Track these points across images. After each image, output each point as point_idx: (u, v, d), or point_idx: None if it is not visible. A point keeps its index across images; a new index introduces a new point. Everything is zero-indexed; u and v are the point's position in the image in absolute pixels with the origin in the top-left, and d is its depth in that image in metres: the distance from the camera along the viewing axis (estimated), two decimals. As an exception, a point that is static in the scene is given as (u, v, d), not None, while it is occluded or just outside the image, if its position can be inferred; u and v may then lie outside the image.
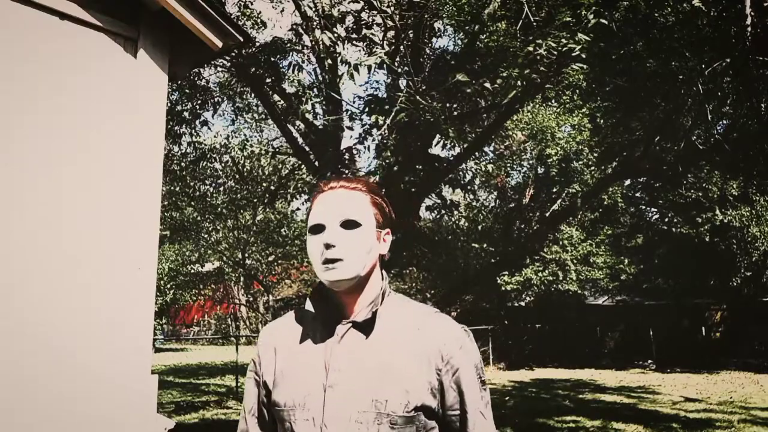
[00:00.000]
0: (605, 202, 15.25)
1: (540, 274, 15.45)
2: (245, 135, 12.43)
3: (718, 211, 16.09)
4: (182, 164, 10.47)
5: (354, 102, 7.83)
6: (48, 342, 1.97)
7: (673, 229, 18.31)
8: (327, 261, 1.11)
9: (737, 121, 7.75)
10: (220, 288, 25.65)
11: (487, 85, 5.42)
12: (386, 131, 6.62)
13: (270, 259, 20.59)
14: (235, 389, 11.47)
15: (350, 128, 7.47)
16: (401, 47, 6.62)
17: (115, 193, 2.22)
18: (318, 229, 1.16)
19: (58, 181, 2.09)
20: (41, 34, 2.15)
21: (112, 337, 2.11)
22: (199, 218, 14.08)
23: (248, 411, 1.20)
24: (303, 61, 8.04)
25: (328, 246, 1.12)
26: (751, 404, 9.57)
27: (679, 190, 15.33)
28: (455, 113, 6.61)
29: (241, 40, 2.55)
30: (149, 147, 2.33)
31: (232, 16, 6.83)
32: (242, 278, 23.32)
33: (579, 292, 16.47)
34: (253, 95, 9.75)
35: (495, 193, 18.56)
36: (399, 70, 6.81)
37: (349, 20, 6.50)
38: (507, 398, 11.21)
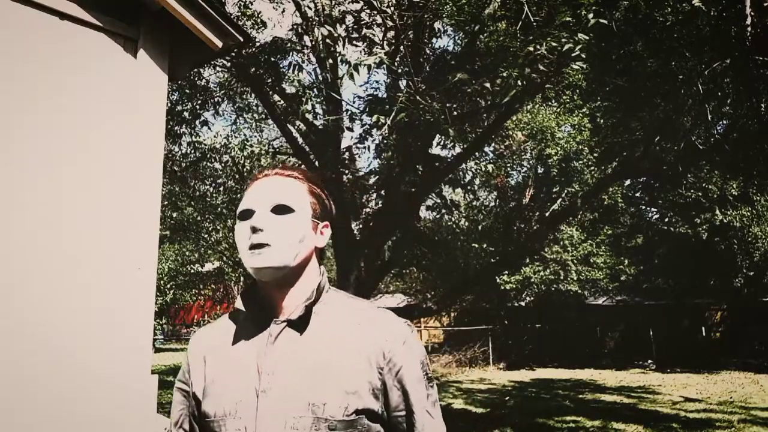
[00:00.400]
0: (605, 202, 15.25)
1: (540, 273, 15.46)
2: (245, 135, 12.44)
3: (718, 211, 16.09)
4: (182, 165, 10.48)
5: (354, 102, 7.84)
6: (48, 342, 1.97)
7: (672, 229, 18.32)
8: (253, 246, 1.02)
9: (737, 121, 7.75)
10: (220, 288, 25.66)
11: (487, 85, 5.42)
12: (386, 131, 6.62)
13: (270, 259, 20.55)
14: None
15: (350, 128, 7.46)
16: (401, 47, 6.62)
17: (115, 193, 2.22)
18: (246, 214, 1.06)
19: (58, 181, 2.09)
20: (41, 34, 2.15)
21: (112, 337, 2.11)
22: (199, 218, 14.09)
23: (175, 425, 1.10)
24: (303, 61, 8.05)
25: (254, 230, 1.03)
26: (751, 404, 9.57)
27: (679, 190, 15.33)
28: (455, 113, 6.62)
29: (241, 40, 2.55)
30: (149, 147, 2.33)
31: (232, 16, 6.84)
32: (242, 278, 23.33)
33: (579, 292, 16.47)
34: (253, 95, 9.76)
35: (495, 193, 18.56)
36: (399, 70, 6.81)
37: (349, 20, 6.50)
38: (507, 398, 11.21)
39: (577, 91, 7.62)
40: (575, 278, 15.62)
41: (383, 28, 6.86)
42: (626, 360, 17.26)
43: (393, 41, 6.92)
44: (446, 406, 10.17)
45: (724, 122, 8.51)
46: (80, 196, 2.14)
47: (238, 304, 1.07)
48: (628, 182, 16.07)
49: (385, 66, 6.01)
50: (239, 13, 8.08)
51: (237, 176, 12.86)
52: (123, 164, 2.25)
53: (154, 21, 2.39)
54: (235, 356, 1.04)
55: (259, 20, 8.22)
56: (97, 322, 2.09)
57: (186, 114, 8.33)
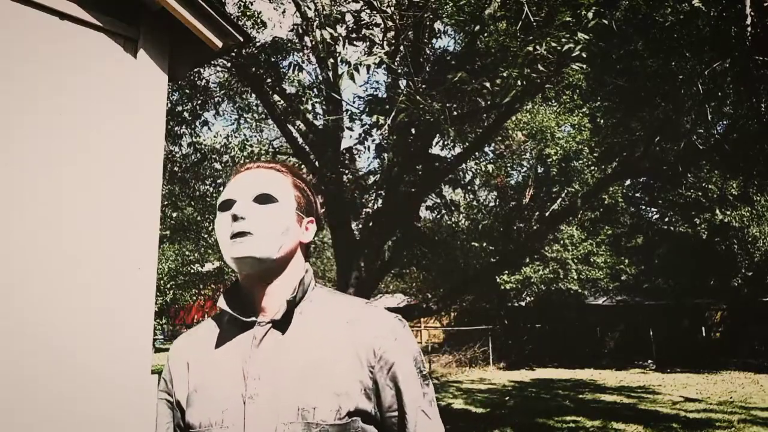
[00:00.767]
0: (605, 202, 15.26)
1: (540, 272, 15.46)
2: (245, 135, 12.44)
3: (718, 211, 16.10)
4: (183, 165, 10.48)
5: (354, 102, 7.84)
6: (48, 342, 1.97)
7: (672, 228, 18.33)
8: (234, 235, 0.97)
9: (737, 121, 7.75)
10: (220, 288, 25.66)
11: (487, 84, 5.42)
12: (386, 131, 6.62)
13: (270, 258, 20.57)
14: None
15: (350, 128, 7.46)
16: (401, 47, 6.62)
17: (115, 193, 2.22)
18: (227, 205, 1.01)
19: (57, 182, 2.09)
20: (41, 34, 2.15)
21: (112, 337, 2.11)
22: (199, 218, 14.08)
23: None
24: (303, 61, 8.05)
25: (235, 218, 0.97)
26: (751, 404, 9.57)
27: (679, 190, 15.34)
28: (455, 113, 6.62)
29: (241, 40, 2.55)
30: (149, 147, 2.33)
31: (232, 16, 6.83)
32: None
33: (579, 291, 16.48)
34: (253, 95, 9.76)
35: (495, 193, 18.57)
36: (399, 70, 6.81)
37: (349, 20, 6.50)
38: (507, 398, 11.21)
39: (577, 91, 7.62)
40: (575, 277, 15.63)
41: (383, 28, 6.86)
42: (626, 360, 17.27)
43: (393, 41, 6.92)
44: (446, 406, 10.17)
45: (724, 122, 8.51)
46: (80, 196, 2.14)
47: (221, 303, 1.02)
48: (628, 182, 16.08)
49: (385, 66, 6.01)
50: (239, 13, 8.08)
51: (237, 176, 12.82)
52: (123, 164, 2.25)
53: (154, 21, 2.39)
54: (219, 361, 0.98)
55: (259, 20, 8.22)
56: (97, 322, 2.09)
57: (186, 114, 8.33)
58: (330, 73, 7.66)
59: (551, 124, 13.80)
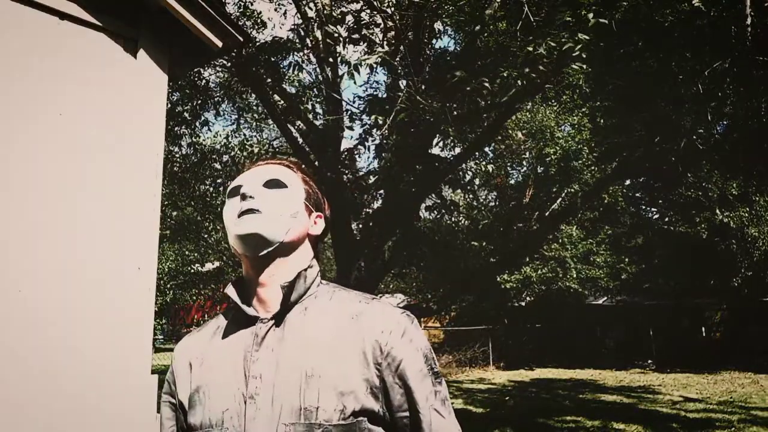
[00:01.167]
0: (605, 201, 15.27)
1: (540, 272, 15.47)
2: (245, 135, 12.45)
3: (717, 211, 16.11)
4: (183, 165, 10.48)
5: (354, 102, 7.84)
6: (48, 342, 1.96)
7: (672, 228, 18.33)
8: (242, 213, 0.94)
9: (737, 121, 7.75)
10: (220, 288, 25.65)
11: (487, 84, 5.42)
12: (386, 131, 6.62)
13: (270, 258, 20.58)
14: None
15: (350, 128, 7.47)
16: (401, 47, 6.62)
17: (115, 193, 2.22)
18: (236, 191, 0.99)
19: (57, 181, 2.09)
20: (41, 34, 2.14)
21: (112, 337, 2.11)
22: (199, 218, 14.09)
23: None
24: (303, 61, 8.05)
25: (244, 197, 0.95)
26: (751, 404, 9.57)
27: (679, 189, 15.35)
28: (455, 113, 6.62)
29: (241, 40, 2.55)
30: (149, 147, 2.33)
31: (232, 16, 6.84)
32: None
33: (579, 290, 16.48)
34: (253, 95, 9.77)
35: (495, 193, 18.57)
36: (399, 70, 6.81)
37: (349, 20, 6.51)
38: (507, 398, 11.21)
39: (577, 90, 7.62)
40: (575, 276, 15.64)
41: (383, 28, 6.86)
42: (626, 360, 17.26)
43: (393, 41, 6.92)
44: (446, 406, 10.14)
45: (724, 122, 8.52)
46: (80, 196, 2.14)
47: (229, 289, 0.99)
48: (628, 182, 16.09)
49: (385, 66, 6.01)
50: (239, 13, 8.08)
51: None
52: (123, 164, 2.25)
53: (154, 21, 2.39)
54: (221, 360, 0.96)
55: (259, 20, 8.22)
56: (97, 322, 2.09)
57: (186, 114, 8.33)
58: (330, 73, 7.67)
59: (551, 123, 13.81)
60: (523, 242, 11.34)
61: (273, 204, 0.97)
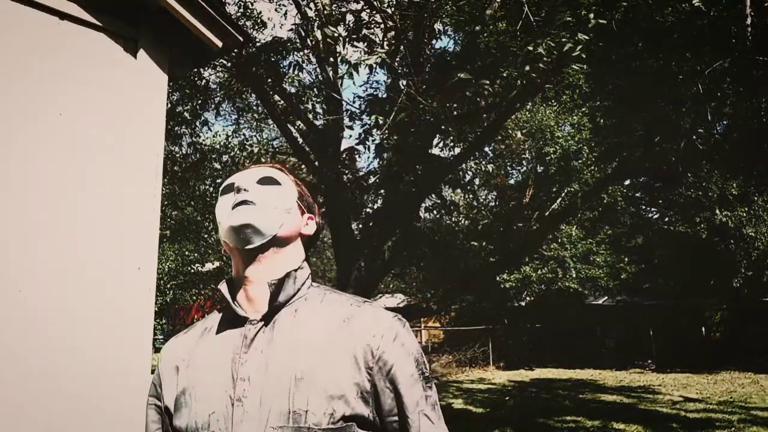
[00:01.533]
0: (605, 201, 15.27)
1: (539, 271, 15.47)
2: (245, 135, 12.45)
3: (717, 211, 16.11)
4: (183, 165, 10.48)
5: (354, 102, 7.84)
6: (48, 342, 1.97)
7: (672, 228, 18.33)
8: (236, 205, 0.95)
9: (737, 121, 7.75)
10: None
11: (487, 84, 5.42)
12: (386, 131, 6.62)
13: (270, 258, 20.57)
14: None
15: (350, 128, 7.47)
16: (401, 47, 6.62)
17: (115, 193, 2.22)
18: (228, 189, 1.00)
19: (57, 182, 2.09)
20: (41, 34, 2.15)
21: (112, 337, 2.11)
22: (199, 218, 14.09)
23: None
24: (303, 61, 8.05)
25: (239, 190, 0.96)
26: (751, 404, 9.57)
27: (679, 189, 15.34)
28: (455, 113, 6.62)
29: (241, 40, 2.55)
30: (149, 147, 2.33)
31: (233, 16, 6.83)
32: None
33: (579, 290, 16.49)
34: (253, 95, 9.77)
35: (495, 193, 18.57)
36: (399, 70, 6.81)
37: (349, 20, 6.51)
38: (507, 398, 11.21)
39: (577, 90, 7.62)
40: (574, 276, 15.63)
41: (383, 28, 6.86)
42: (626, 360, 17.26)
43: (393, 41, 6.92)
44: (446, 406, 10.17)
45: (724, 122, 8.52)
46: (80, 196, 2.14)
47: (222, 285, 0.98)
48: (628, 182, 16.09)
49: (385, 66, 6.01)
50: (239, 14, 8.08)
51: (237, 176, 12.82)
52: (123, 164, 2.25)
53: (154, 21, 2.39)
54: (208, 362, 0.94)
55: (259, 20, 8.22)
56: (97, 322, 2.09)
57: (186, 114, 8.33)
58: (330, 73, 7.67)
59: (551, 123, 13.81)
60: (523, 242, 11.35)
61: (267, 198, 0.97)
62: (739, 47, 5.55)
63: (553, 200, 15.26)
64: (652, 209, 19.91)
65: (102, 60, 2.28)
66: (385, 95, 7.47)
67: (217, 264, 20.45)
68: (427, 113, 5.65)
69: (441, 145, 9.10)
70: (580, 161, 14.18)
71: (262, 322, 0.93)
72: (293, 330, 0.92)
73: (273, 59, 6.94)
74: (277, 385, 0.87)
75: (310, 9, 7.04)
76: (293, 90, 7.62)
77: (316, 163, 7.97)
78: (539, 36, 4.80)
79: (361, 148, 7.40)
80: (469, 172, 11.06)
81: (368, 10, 6.59)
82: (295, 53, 7.20)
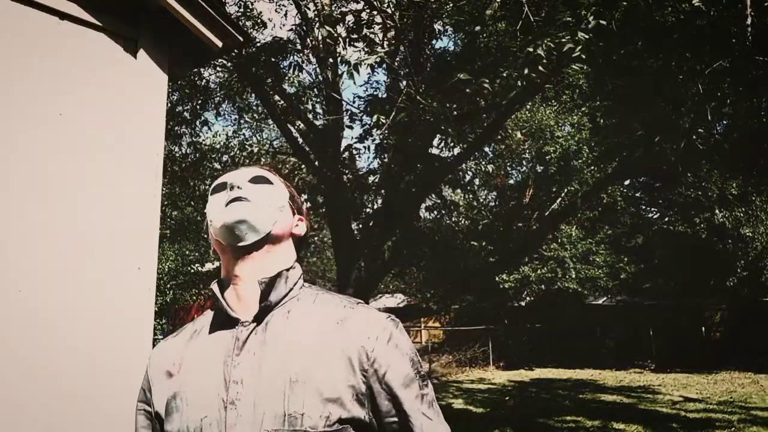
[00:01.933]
0: (605, 201, 15.27)
1: (538, 271, 15.47)
2: (245, 135, 12.45)
3: (717, 211, 16.11)
4: (183, 165, 10.48)
5: (354, 102, 7.84)
6: (48, 342, 1.97)
7: (671, 228, 18.33)
8: (229, 202, 0.94)
9: (737, 121, 7.75)
10: (220, 288, 25.60)
11: (487, 84, 5.42)
12: (386, 131, 6.62)
13: (270, 258, 20.58)
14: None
15: (350, 128, 7.47)
16: (401, 47, 6.62)
17: (115, 193, 2.22)
18: (220, 187, 1.00)
19: (57, 182, 2.09)
20: (41, 34, 2.15)
21: (111, 337, 2.11)
22: (199, 218, 14.09)
23: None
24: (303, 61, 8.05)
25: (232, 187, 0.96)
26: (751, 404, 9.57)
27: (679, 189, 15.34)
28: (455, 113, 6.62)
29: (241, 40, 2.55)
30: (149, 147, 2.33)
31: (233, 17, 6.83)
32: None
33: (579, 290, 16.49)
34: (253, 95, 9.77)
35: (495, 193, 18.57)
36: (399, 70, 6.81)
37: (349, 20, 6.51)
38: (507, 398, 11.21)
39: (577, 90, 7.62)
40: (573, 276, 15.63)
41: (383, 28, 6.86)
42: (626, 360, 17.26)
43: (393, 41, 6.93)
44: (446, 406, 10.17)
45: (724, 122, 8.52)
46: (80, 196, 2.14)
47: (214, 285, 0.98)
48: (627, 182, 16.09)
49: (385, 66, 6.01)
50: (240, 14, 8.08)
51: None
52: (123, 164, 2.25)
53: (154, 21, 2.39)
54: (199, 366, 0.92)
55: (259, 21, 8.22)
56: (97, 322, 2.09)
57: (186, 114, 8.33)
58: (330, 73, 7.67)
59: (550, 122, 13.82)
60: (523, 242, 11.35)
61: (261, 195, 0.97)
62: (739, 47, 5.55)
63: (553, 200, 15.26)
64: (652, 209, 19.92)
65: (102, 60, 2.28)
66: (385, 95, 7.47)
67: (217, 264, 20.43)
68: (427, 113, 5.65)
69: (441, 145, 9.10)
70: (580, 161, 14.18)
71: (254, 324, 0.92)
72: (286, 331, 0.91)
73: (273, 59, 6.94)
74: (271, 387, 0.86)
75: (310, 9, 7.05)
76: (293, 90, 7.63)
77: (316, 163, 7.97)
78: (539, 36, 4.80)
79: (361, 147, 7.41)
80: (469, 172, 11.07)
81: (368, 10, 6.59)
82: (295, 53, 7.20)
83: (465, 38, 6.57)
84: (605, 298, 19.20)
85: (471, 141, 8.11)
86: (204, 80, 8.79)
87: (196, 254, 18.57)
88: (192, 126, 8.58)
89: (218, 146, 11.64)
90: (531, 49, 4.71)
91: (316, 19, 6.74)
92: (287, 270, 0.97)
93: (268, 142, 13.28)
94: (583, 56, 4.81)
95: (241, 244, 0.94)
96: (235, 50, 6.18)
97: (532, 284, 16.02)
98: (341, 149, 8.18)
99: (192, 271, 19.80)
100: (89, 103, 2.22)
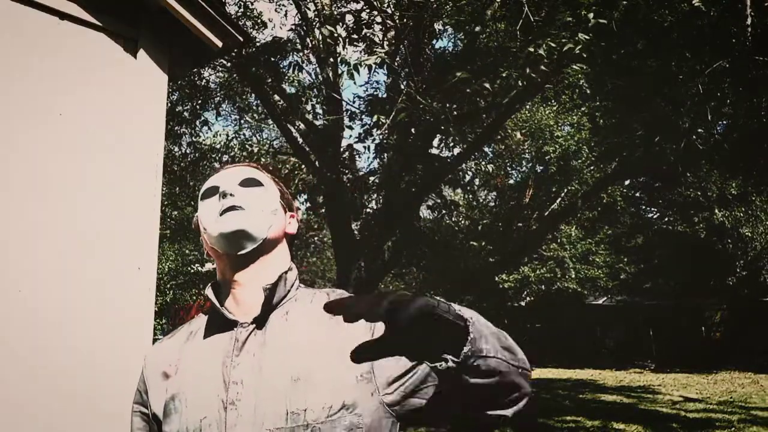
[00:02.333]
0: (605, 201, 15.28)
1: (538, 271, 15.47)
2: (245, 135, 12.45)
3: (717, 211, 16.11)
4: (182, 164, 10.48)
5: (354, 102, 7.84)
6: (48, 342, 1.97)
7: (671, 227, 18.33)
8: (224, 211, 0.93)
9: (737, 121, 7.75)
10: (220, 288, 25.60)
11: (487, 84, 5.42)
12: (386, 131, 6.62)
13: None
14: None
15: (350, 128, 7.47)
16: (401, 47, 6.62)
17: (115, 193, 2.22)
18: (212, 191, 0.98)
19: (57, 182, 2.09)
20: (41, 34, 2.15)
21: (112, 337, 2.11)
22: (198, 218, 14.07)
23: None
24: (303, 61, 8.05)
25: (224, 195, 0.94)
26: (751, 404, 9.57)
27: (679, 189, 15.34)
28: (455, 113, 6.62)
29: (241, 40, 2.55)
30: (149, 147, 2.33)
31: (233, 16, 6.83)
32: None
33: (578, 290, 16.49)
34: (253, 95, 9.77)
35: (495, 193, 18.58)
36: (399, 70, 6.81)
37: (349, 20, 6.51)
38: (507, 398, 11.19)
39: (577, 91, 7.62)
40: (573, 276, 15.64)
41: (383, 28, 6.86)
42: (626, 360, 17.26)
43: (393, 41, 6.92)
44: (446, 406, 10.15)
45: (724, 122, 8.52)
46: (80, 196, 2.14)
47: (208, 291, 0.97)
48: (627, 182, 16.09)
49: (385, 66, 6.01)
50: (240, 14, 8.08)
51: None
52: (123, 164, 2.25)
53: (154, 21, 2.39)
54: (198, 367, 0.92)
55: (259, 21, 8.22)
56: (97, 322, 2.09)
57: (186, 114, 8.33)
58: (330, 73, 7.67)
59: (550, 122, 13.82)
60: (523, 242, 11.35)
61: (253, 201, 0.96)
62: (739, 47, 5.55)
63: (553, 200, 15.26)
64: (652, 209, 19.92)
65: (102, 60, 2.28)
66: (385, 95, 7.47)
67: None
68: (427, 113, 5.65)
69: (441, 145, 9.10)
70: (579, 161, 14.19)
71: (254, 325, 0.92)
72: (285, 332, 0.91)
73: (273, 59, 6.94)
74: (272, 387, 0.85)
75: (310, 9, 7.05)
76: (293, 90, 7.62)
77: (316, 163, 7.97)
78: (539, 36, 4.80)
79: (361, 147, 7.40)
80: (469, 172, 11.06)
81: (368, 10, 6.59)
82: (295, 53, 7.20)
83: (465, 38, 6.57)
84: (605, 298, 19.20)
85: (471, 141, 8.11)
86: (204, 80, 8.79)
87: (196, 254, 18.57)
88: (192, 126, 8.58)
89: (218, 146, 11.63)
90: (531, 49, 4.71)
91: (316, 19, 6.74)
92: (285, 272, 0.97)
93: (268, 142, 13.28)
94: (584, 56, 4.81)
95: (240, 252, 0.94)
96: (235, 50, 6.18)
97: (531, 284, 16.02)
98: (341, 149, 8.18)
99: (192, 271, 19.79)
100: (89, 103, 2.22)
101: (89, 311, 2.08)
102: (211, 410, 0.87)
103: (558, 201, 15.02)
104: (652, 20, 5.79)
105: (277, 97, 8.07)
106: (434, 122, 6.08)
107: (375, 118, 5.66)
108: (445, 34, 8.63)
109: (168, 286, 19.38)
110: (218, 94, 9.46)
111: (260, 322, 0.93)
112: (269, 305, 0.93)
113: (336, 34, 5.60)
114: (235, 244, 0.93)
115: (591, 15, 4.77)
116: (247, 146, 11.71)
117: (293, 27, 7.39)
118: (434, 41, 7.68)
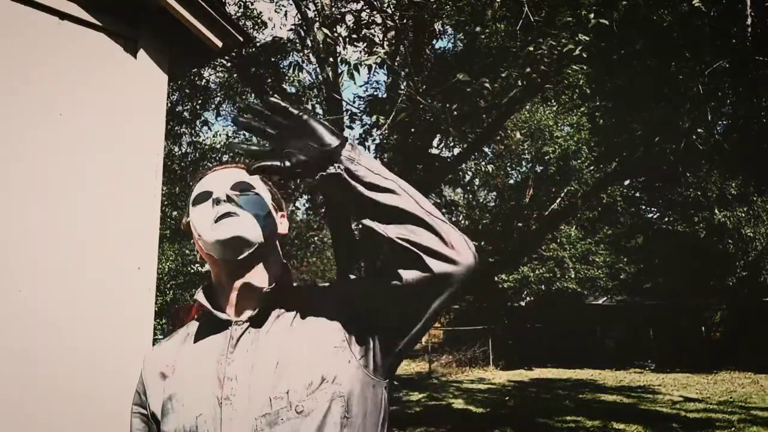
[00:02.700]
0: (604, 201, 15.29)
1: (537, 271, 15.47)
2: (245, 135, 12.44)
3: (717, 211, 16.11)
4: (182, 164, 10.49)
5: (354, 102, 7.84)
6: (48, 342, 1.97)
7: (671, 227, 18.34)
8: (219, 218, 0.93)
9: (737, 121, 7.75)
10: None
11: (487, 84, 5.42)
12: (386, 131, 6.62)
13: (270, 258, 20.59)
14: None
15: (350, 128, 7.47)
16: (401, 47, 6.62)
17: (115, 193, 2.22)
18: (204, 196, 0.99)
19: (57, 182, 2.09)
20: (41, 34, 2.15)
21: (112, 337, 2.11)
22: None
23: None
24: (303, 61, 8.05)
25: (218, 201, 0.95)
26: (751, 404, 9.57)
27: (679, 189, 15.34)
28: (455, 113, 6.62)
29: (241, 40, 2.55)
30: (149, 147, 2.33)
31: (233, 16, 6.82)
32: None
33: (578, 290, 16.49)
34: (253, 95, 9.77)
35: (494, 193, 18.58)
36: (399, 70, 6.81)
37: (349, 20, 6.50)
38: (507, 398, 11.21)
39: (577, 91, 7.62)
40: (573, 276, 15.64)
41: (383, 28, 6.86)
42: (626, 360, 17.26)
43: (393, 41, 6.92)
44: (446, 405, 10.17)
45: (724, 122, 8.51)
46: (80, 197, 2.14)
47: (199, 295, 0.99)
48: (627, 182, 16.09)
49: (385, 66, 6.01)
50: (240, 14, 8.08)
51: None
52: (123, 164, 2.25)
53: (154, 21, 2.39)
54: (194, 366, 0.94)
55: (259, 20, 8.22)
56: (97, 322, 2.09)
57: (186, 114, 8.33)
58: (330, 73, 7.67)
59: (550, 123, 13.83)
60: (523, 242, 11.35)
61: (247, 206, 0.97)
62: (739, 47, 5.55)
63: (553, 200, 15.27)
64: (652, 209, 19.92)
65: (102, 60, 2.28)
66: (385, 95, 7.47)
67: (216, 264, 20.41)
68: (427, 113, 5.65)
69: (441, 145, 9.10)
70: (579, 161, 14.19)
71: (248, 323, 0.94)
72: (280, 330, 0.93)
73: (273, 59, 6.94)
74: (263, 379, 0.88)
75: (310, 9, 7.05)
76: (293, 90, 7.62)
77: (317, 163, 7.94)
78: (539, 36, 4.80)
79: (361, 148, 7.42)
80: (469, 172, 11.06)
81: (368, 10, 6.59)
82: (295, 53, 7.19)
83: (465, 38, 6.57)
84: (605, 298, 19.21)
85: (471, 141, 8.11)
86: (204, 80, 8.79)
87: (196, 254, 18.57)
88: (192, 126, 8.58)
89: (218, 146, 11.63)
90: (532, 50, 4.71)
91: (316, 19, 6.74)
92: (282, 274, 1.00)
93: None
94: (584, 56, 4.81)
95: (238, 258, 0.95)
96: (235, 50, 6.18)
97: (531, 284, 16.03)
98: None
99: (192, 271, 19.80)
100: (89, 103, 2.22)
101: (89, 311, 2.08)
102: (206, 407, 0.88)
103: (558, 201, 15.03)
104: (652, 20, 5.79)
105: (277, 97, 8.06)
106: (434, 122, 6.08)
107: (375, 118, 5.66)
108: (445, 34, 8.63)
109: (168, 286, 19.39)
110: (218, 94, 9.46)
111: (255, 321, 0.94)
112: (265, 306, 0.95)
113: (336, 34, 5.60)
114: (232, 251, 0.93)
115: (591, 15, 4.77)
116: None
117: (293, 27, 7.39)
118: (434, 41, 7.68)
